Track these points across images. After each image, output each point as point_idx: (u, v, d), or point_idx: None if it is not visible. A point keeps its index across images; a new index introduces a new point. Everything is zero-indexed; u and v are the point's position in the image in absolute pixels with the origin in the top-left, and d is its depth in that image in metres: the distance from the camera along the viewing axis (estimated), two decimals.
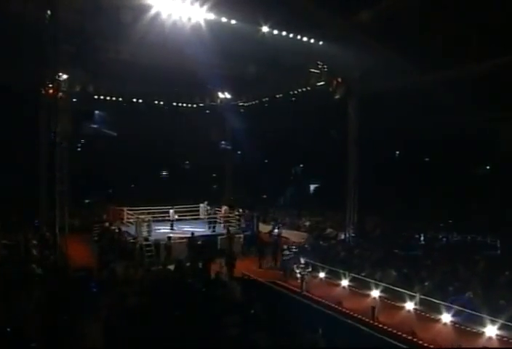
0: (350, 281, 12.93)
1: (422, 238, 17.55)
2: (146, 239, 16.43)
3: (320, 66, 17.72)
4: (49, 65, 14.59)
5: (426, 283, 11.67)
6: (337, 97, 17.98)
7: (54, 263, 11.90)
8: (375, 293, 11.84)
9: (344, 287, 12.89)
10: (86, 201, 25.92)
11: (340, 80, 17.69)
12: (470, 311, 9.69)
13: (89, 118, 26.84)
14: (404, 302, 11.06)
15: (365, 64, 16.74)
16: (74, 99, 20.65)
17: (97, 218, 20.75)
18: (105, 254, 14.14)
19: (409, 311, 10.85)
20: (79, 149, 28.01)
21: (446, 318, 10.04)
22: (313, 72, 17.91)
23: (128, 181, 26.78)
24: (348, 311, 10.82)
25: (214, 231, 18.96)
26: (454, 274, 12.42)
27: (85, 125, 26.75)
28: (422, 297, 10.90)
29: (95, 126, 27.63)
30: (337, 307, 11.08)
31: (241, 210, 20.82)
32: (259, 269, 15.37)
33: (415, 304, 10.93)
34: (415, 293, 11.11)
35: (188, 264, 13.28)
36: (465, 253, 14.47)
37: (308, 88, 19.50)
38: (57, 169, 13.34)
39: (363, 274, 13.14)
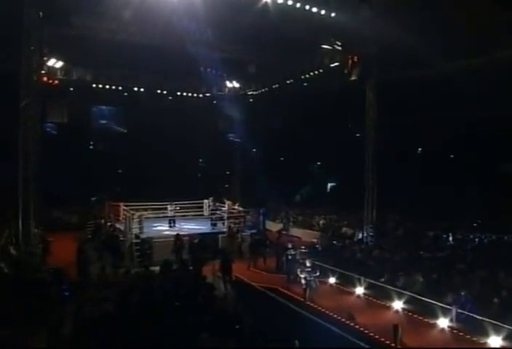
0: (366, 288, 11.27)
1: (450, 239, 15.96)
2: (137, 237, 14.89)
3: (333, 42, 15.73)
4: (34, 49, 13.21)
5: (462, 293, 9.63)
6: (352, 78, 15.92)
7: (17, 262, 10.42)
8: (397, 304, 10.14)
9: (358, 296, 11.18)
10: (93, 198, 24.79)
11: (355, 59, 15.65)
12: None
13: (96, 113, 26.04)
14: (436, 317, 9.13)
15: (385, 39, 14.77)
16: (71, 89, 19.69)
17: (95, 215, 19.77)
18: (85, 252, 12.62)
19: (442, 330, 8.86)
20: (91, 147, 27.40)
21: (494, 341, 7.82)
22: (325, 48, 15.93)
23: (137, 178, 25.56)
24: (362, 329, 8.96)
25: (214, 229, 17.59)
26: (494, 280, 10.58)
27: (94, 120, 26.03)
28: (460, 311, 8.95)
29: (104, 121, 26.60)
30: (348, 322, 9.23)
31: (233, 205, 19.22)
32: (263, 272, 13.83)
33: (450, 320, 8.98)
34: (450, 305, 9.24)
35: (175, 266, 11.52)
36: (503, 255, 12.71)
37: (321, 70, 17.59)
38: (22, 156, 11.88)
39: (382, 280, 11.49)
